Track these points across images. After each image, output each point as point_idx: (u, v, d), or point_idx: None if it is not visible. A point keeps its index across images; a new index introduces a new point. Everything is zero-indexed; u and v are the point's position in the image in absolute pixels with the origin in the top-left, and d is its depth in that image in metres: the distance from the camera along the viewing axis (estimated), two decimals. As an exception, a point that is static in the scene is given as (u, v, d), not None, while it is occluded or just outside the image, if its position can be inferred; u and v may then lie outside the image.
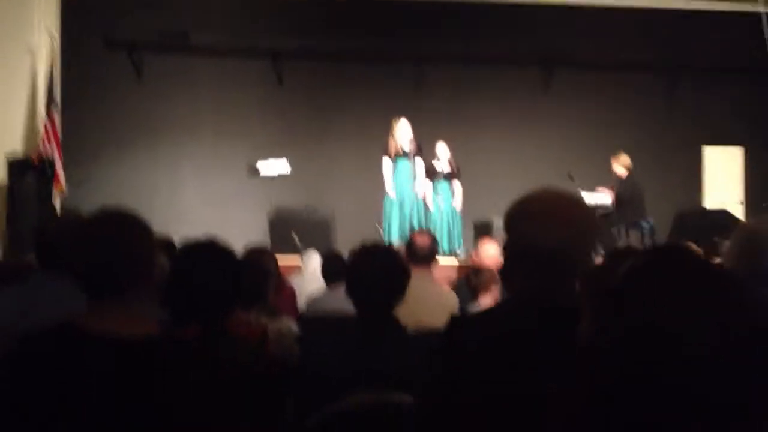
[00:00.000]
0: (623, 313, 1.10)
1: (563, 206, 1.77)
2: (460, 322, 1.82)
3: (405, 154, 8.80)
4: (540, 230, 1.72)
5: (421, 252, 4.23)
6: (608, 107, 10.95)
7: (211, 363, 1.90)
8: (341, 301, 4.89)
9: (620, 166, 9.11)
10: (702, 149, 11.36)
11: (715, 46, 10.83)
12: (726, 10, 10.88)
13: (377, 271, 2.55)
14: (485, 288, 4.33)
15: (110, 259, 1.78)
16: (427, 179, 9.06)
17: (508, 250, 1.82)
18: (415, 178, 8.87)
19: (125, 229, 1.82)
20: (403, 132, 8.83)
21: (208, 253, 2.58)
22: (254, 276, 3.57)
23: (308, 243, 7.82)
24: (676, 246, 1.14)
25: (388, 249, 2.74)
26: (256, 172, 9.16)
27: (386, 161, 8.89)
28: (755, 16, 9.56)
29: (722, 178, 11.40)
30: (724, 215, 8.89)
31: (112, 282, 1.79)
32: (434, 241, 4.47)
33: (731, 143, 11.35)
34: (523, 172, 10.54)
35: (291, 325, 3.79)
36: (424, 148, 8.96)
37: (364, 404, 1.96)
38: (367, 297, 2.54)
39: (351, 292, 2.58)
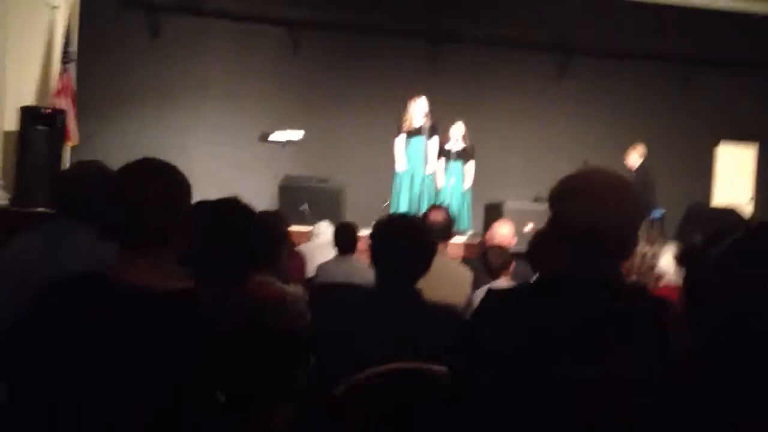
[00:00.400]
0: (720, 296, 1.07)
1: (611, 186, 1.75)
2: (500, 297, 1.79)
3: (419, 132, 8.76)
4: (587, 209, 1.70)
5: (435, 227, 4.19)
6: (624, 97, 10.90)
7: (240, 320, 1.87)
8: (352, 271, 4.91)
9: (637, 155, 9.07)
10: (717, 144, 11.30)
11: (733, 41, 10.73)
12: (741, 10, 10.77)
13: (404, 242, 2.51)
14: (506, 267, 4.30)
15: (146, 209, 1.73)
16: (440, 158, 9.01)
17: (552, 226, 1.79)
18: (427, 156, 8.82)
19: (164, 180, 1.77)
20: (418, 109, 8.78)
21: (228, 211, 2.54)
22: (269, 239, 3.54)
23: (317, 214, 7.80)
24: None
25: (416, 221, 2.70)
26: (267, 138, 9.12)
27: (400, 138, 8.86)
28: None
29: (734, 174, 11.34)
30: (731, 214, 8.81)
31: (146, 233, 1.74)
32: (449, 217, 4.43)
33: (746, 139, 11.29)
34: (536, 157, 10.51)
35: (302, 291, 3.77)
36: (438, 127, 8.91)
37: (395, 372, 1.93)
38: (392, 267, 2.50)
39: (376, 261, 2.54)
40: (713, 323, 1.07)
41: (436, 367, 1.93)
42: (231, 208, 2.53)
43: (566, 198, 1.75)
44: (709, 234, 2.02)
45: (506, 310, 1.69)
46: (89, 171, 2.82)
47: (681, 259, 2.31)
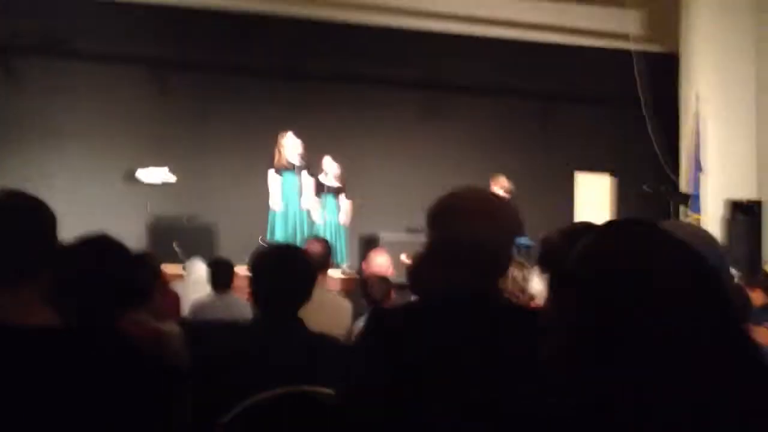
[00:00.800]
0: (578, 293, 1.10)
1: (488, 203, 1.80)
2: (389, 314, 1.80)
3: (292, 168, 8.77)
4: (467, 225, 1.73)
5: (313, 259, 4.18)
6: (485, 132, 11.30)
7: (108, 359, 1.80)
8: (228, 308, 4.83)
9: (498, 187, 9.38)
10: (574, 175, 11.86)
11: (589, 77, 11.39)
12: (599, 46, 11.45)
13: (284, 271, 2.50)
14: (387, 296, 4.33)
15: (7, 242, 1.65)
16: (314, 193, 9.05)
17: (431, 245, 1.82)
18: (301, 192, 8.84)
19: (27, 212, 1.70)
20: (290, 145, 8.80)
21: (101, 247, 2.47)
22: (143, 276, 3.44)
23: (190, 253, 7.62)
24: (627, 221, 1.14)
25: (294, 249, 2.70)
26: (135, 179, 8.88)
27: (272, 174, 8.84)
28: (628, 52, 10.13)
29: (592, 204, 11.92)
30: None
31: (8, 268, 1.66)
32: (327, 248, 4.44)
33: (601, 170, 11.91)
34: (407, 190, 10.71)
35: (178, 329, 3.68)
36: (311, 163, 8.96)
37: (281, 397, 1.90)
38: (273, 297, 2.48)
39: (256, 291, 2.52)
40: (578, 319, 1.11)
41: (322, 390, 1.92)
42: (101, 243, 2.45)
43: (446, 216, 1.78)
44: (566, 232, 2.10)
45: (394, 329, 1.69)
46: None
47: (542, 261, 2.38)
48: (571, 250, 1.17)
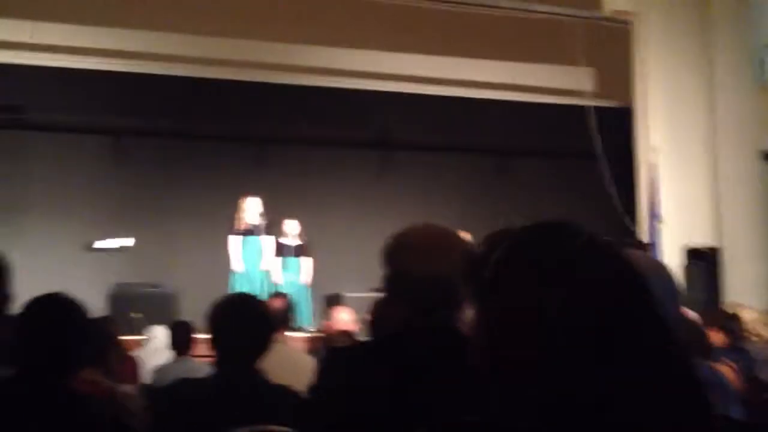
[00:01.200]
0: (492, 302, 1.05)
1: (441, 237, 1.80)
2: (344, 353, 1.78)
3: (253, 231, 8.76)
4: (422, 260, 1.73)
5: (275, 314, 4.14)
6: (441, 188, 11.42)
7: (60, 419, 1.75)
8: (189, 372, 4.72)
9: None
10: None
11: (545, 133, 11.61)
12: (552, 103, 11.71)
13: (242, 318, 2.47)
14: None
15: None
16: (276, 255, 9.02)
17: (388, 282, 1.81)
18: (263, 254, 8.80)
19: None
20: (252, 208, 8.80)
21: (54, 306, 2.43)
22: (98, 337, 3.38)
23: (150, 320, 7.50)
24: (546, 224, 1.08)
25: (252, 298, 2.68)
26: (93, 247, 8.78)
27: (233, 238, 8.81)
28: (583, 108, 10.36)
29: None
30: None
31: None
32: (289, 304, 4.41)
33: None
34: (368, 249, 10.65)
35: (134, 392, 3.60)
36: (272, 225, 8.95)
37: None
38: (232, 344, 2.45)
39: (215, 340, 2.48)
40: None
41: (281, 429, 1.88)
42: (57, 301, 2.41)
43: (402, 252, 1.79)
44: (490, 241, 2.08)
45: (355, 365, 1.67)
46: None
47: (466, 274, 2.37)
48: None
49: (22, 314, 2.38)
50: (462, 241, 1.85)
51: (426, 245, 1.77)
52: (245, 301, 2.58)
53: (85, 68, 10.26)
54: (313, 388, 1.76)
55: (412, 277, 1.75)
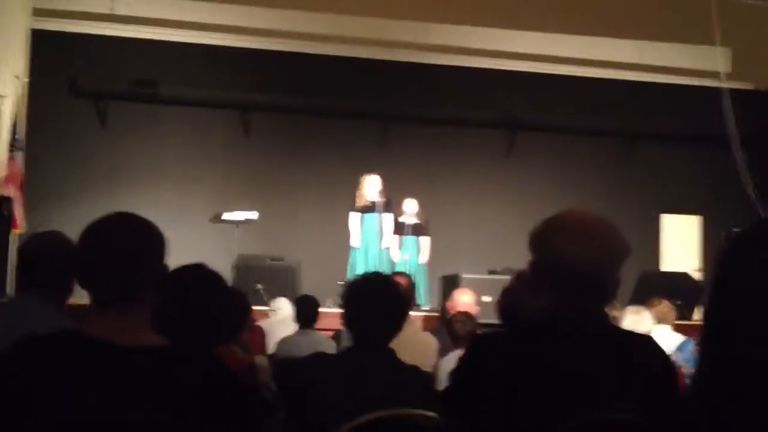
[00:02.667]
0: None
1: (598, 227, 1.74)
2: (489, 342, 1.76)
3: (373, 208, 8.83)
4: (576, 249, 1.68)
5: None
6: (568, 171, 11.15)
7: (215, 382, 1.81)
8: (314, 344, 4.83)
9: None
10: (660, 217, 11.57)
11: (675, 116, 11.17)
12: (686, 84, 11.24)
13: (378, 299, 2.49)
14: (472, 333, 4.26)
15: (119, 263, 1.69)
16: (394, 234, 9.07)
17: (535, 267, 1.77)
18: (382, 231, 8.87)
19: (137, 233, 1.74)
20: (372, 186, 8.87)
21: (198, 277, 2.52)
22: (234, 309, 3.49)
23: (273, 293, 7.71)
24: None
25: (387, 278, 2.69)
26: (220, 219, 9.08)
27: (353, 215, 8.92)
28: (716, 89, 9.88)
29: (680, 246, 11.59)
30: (685, 279, 9.00)
31: (119, 288, 1.69)
32: (411, 283, 4.42)
33: (688, 211, 11.59)
34: (487, 231, 10.65)
35: (266, 362, 3.71)
36: (392, 203, 9.00)
37: (383, 419, 1.88)
38: (367, 326, 2.47)
39: (350, 321, 2.51)
40: None
41: (426, 413, 1.89)
42: (201, 272, 2.50)
43: (553, 238, 1.73)
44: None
45: (504, 355, 1.65)
46: (47, 241, 2.75)
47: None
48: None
49: (168, 284, 2.47)
50: (616, 231, 1.79)
51: (580, 232, 1.71)
52: (382, 282, 2.59)
53: (216, 44, 10.58)
54: (458, 375, 1.75)
55: (564, 265, 1.70)
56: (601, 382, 1.59)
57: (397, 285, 2.64)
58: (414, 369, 2.57)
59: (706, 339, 1.09)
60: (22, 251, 2.81)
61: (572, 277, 1.67)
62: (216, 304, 2.42)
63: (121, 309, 1.68)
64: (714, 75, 10.10)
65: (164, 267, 1.80)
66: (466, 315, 4.51)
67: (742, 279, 1.04)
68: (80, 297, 2.45)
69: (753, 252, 1.06)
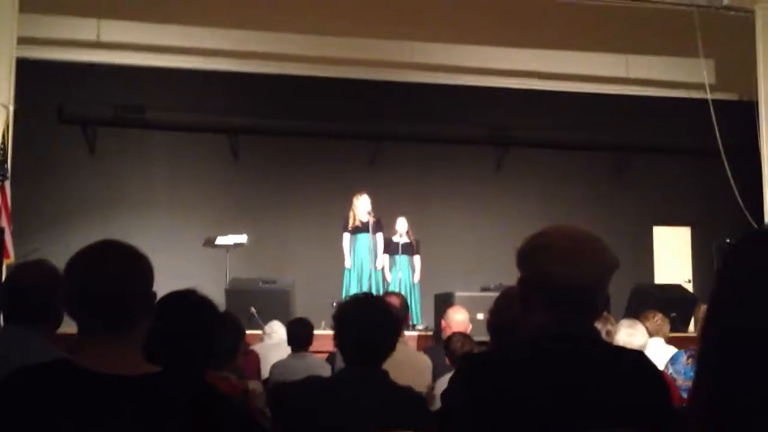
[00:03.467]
0: None
1: (585, 242, 1.74)
2: (480, 362, 1.74)
3: (364, 228, 8.84)
4: (564, 266, 1.67)
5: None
6: (559, 186, 11.19)
7: (208, 408, 1.79)
8: (308, 367, 4.80)
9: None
10: (651, 228, 11.62)
11: (663, 129, 11.24)
12: (673, 97, 11.31)
13: (370, 320, 2.47)
14: (469, 352, 4.24)
15: (109, 291, 1.68)
16: (386, 253, 9.08)
17: (524, 284, 1.76)
18: (374, 251, 8.87)
19: (127, 261, 1.73)
20: (362, 206, 8.89)
21: (189, 304, 2.50)
22: (227, 334, 3.46)
23: (267, 316, 7.66)
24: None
25: (378, 299, 2.68)
26: (212, 244, 9.05)
27: (346, 235, 8.96)
28: (703, 101, 9.94)
29: (672, 257, 11.61)
30: (678, 291, 9.00)
31: (109, 316, 1.68)
32: (404, 303, 4.41)
33: (679, 223, 11.63)
34: (479, 248, 10.65)
35: (261, 388, 3.68)
36: (383, 223, 9.01)
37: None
38: (359, 346, 2.46)
39: (342, 342, 2.49)
40: None
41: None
42: (194, 299, 2.48)
43: (541, 255, 1.72)
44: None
45: (494, 375, 1.63)
46: (34, 270, 2.73)
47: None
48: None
49: (160, 310, 2.45)
50: (603, 244, 1.78)
51: (567, 248, 1.70)
52: (372, 303, 2.58)
53: (203, 68, 10.59)
54: (450, 397, 1.73)
55: (553, 282, 1.69)
56: (594, 398, 1.58)
57: (387, 305, 2.63)
58: (408, 389, 2.55)
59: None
60: (8, 281, 2.78)
61: (562, 294, 1.66)
62: (208, 331, 2.40)
63: (110, 337, 1.66)
64: (699, 87, 10.16)
65: (153, 294, 1.79)
66: (463, 335, 4.49)
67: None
68: (69, 326, 2.45)
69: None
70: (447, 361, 4.35)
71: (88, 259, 1.71)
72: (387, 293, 4.54)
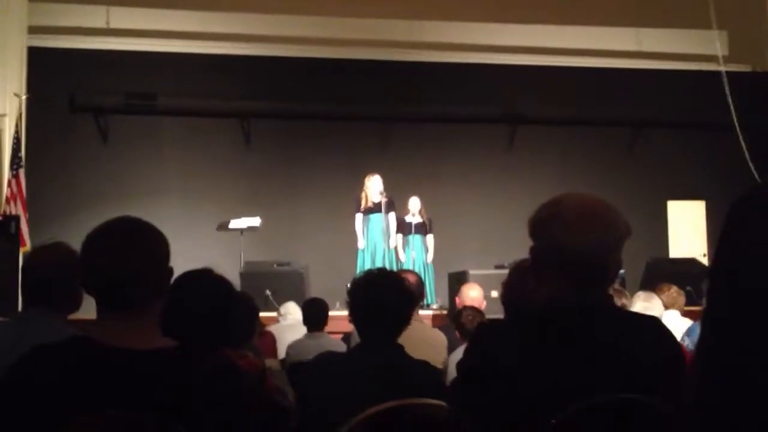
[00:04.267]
0: None
1: (597, 210, 1.73)
2: (493, 329, 1.75)
3: (376, 208, 8.84)
4: (576, 233, 1.67)
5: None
6: (571, 163, 11.14)
7: (228, 382, 1.81)
8: (323, 348, 4.82)
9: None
10: (665, 203, 11.56)
11: (676, 102, 11.15)
12: (686, 69, 11.21)
13: (384, 295, 2.48)
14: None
15: (126, 268, 1.70)
16: (399, 233, 9.08)
17: (535, 254, 1.77)
18: (387, 232, 8.88)
19: (143, 239, 1.74)
20: (374, 186, 8.89)
21: (206, 281, 2.52)
22: (244, 312, 3.49)
23: (281, 298, 7.70)
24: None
25: (393, 274, 2.69)
26: (226, 227, 9.08)
27: (359, 216, 8.96)
28: (716, 74, 9.85)
29: (686, 231, 11.56)
30: (693, 264, 8.97)
31: (127, 293, 1.70)
32: (420, 281, 4.42)
33: (693, 197, 11.56)
34: (492, 226, 10.63)
35: (279, 366, 3.71)
36: (395, 203, 9.01)
37: (395, 409, 1.87)
38: (375, 322, 2.47)
39: (357, 318, 2.51)
40: None
41: (434, 402, 1.88)
42: (210, 276, 2.51)
43: (553, 223, 1.71)
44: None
45: (509, 340, 1.64)
46: (52, 253, 2.75)
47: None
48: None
49: (177, 288, 2.47)
50: (615, 212, 1.78)
51: (579, 216, 1.70)
52: (387, 277, 2.59)
53: (212, 53, 10.58)
54: (465, 365, 1.74)
55: (564, 251, 1.69)
56: (609, 364, 1.58)
57: (402, 279, 2.64)
58: (424, 364, 2.56)
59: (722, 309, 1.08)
60: (26, 265, 2.80)
61: (574, 262, 1.66)
62: (225, 307, 2.42)
63: (127, 313, 1.68)
64: (712, 59, 10.08)
65: (170, 270, 1.80)
66: (475, 309, 4.50)
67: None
68: (88, 312, 2.47)
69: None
70: (458, 335, 4.36)
71: (104, 234, 1.73)
72: (402, 270, 4.55)
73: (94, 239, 1.73)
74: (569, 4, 10.56)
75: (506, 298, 2.87)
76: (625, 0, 10.51)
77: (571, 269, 1.67)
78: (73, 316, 2.75)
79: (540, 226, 1.74)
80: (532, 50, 11.00)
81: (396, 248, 9.08)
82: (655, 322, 1.75)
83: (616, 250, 1.74)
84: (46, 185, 9.79)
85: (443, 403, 1.82)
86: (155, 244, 1.75)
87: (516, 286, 2.61)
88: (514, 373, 1.58)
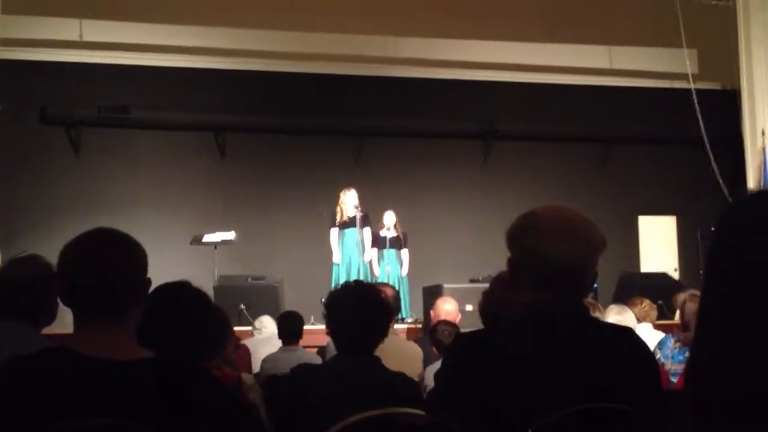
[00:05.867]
0: None
1: (573, 221, 1.76)
2: (471, 339, 1.76)
3: (351, 223, 8.86)
4: (553, 245, 1.69)
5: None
6: (544, 178, 11.22)
7: (201, 391, 1.81)
8: (299, 361, 4.80)
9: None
10: (637, 218, 11.69)
11: (647, 119, 11.30)
12: (656, 87, 11.38)
13: (361, 307, 2.49)
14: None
15: (102, 278, 1.69)
16: (374, 247, 9.10)
17: (513, 264, 1.79)
18: (362, 245, 8.89)
19: (124, 246, 1.75)
20: (349, 201, 8.91)
21: (183, 293, 2.52)
22: (217, 325, 3.48)
23: (256, 313, 7.66)
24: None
25: (369, 286, 2.70)
26: (200, 241, 9.04)
27: (333, 230, 8.96)
28: (686, 91, 10.01)
29: (657, 246, 11.70)
30: (664, 279, 9.08)
31: (111, 299, 1.69)
32: (396, 294, 4.43)
33: (665, 212, 11.71)
34: (467, 240, 10.69)
35: (253, 379, 3.69)
36: (370, 217, 9.04)
37: (371, 419, 1.87)
38: (351, 334, 2.47)
39: (334, 330, 2.51)
40: None
41: (414, 411, 1.88)
42: (187, 289, 2.50)
43: (530, 234, 1.74)
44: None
45: (486, 350, 1.65)
46: (27, 265, 2.73)
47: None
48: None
49: (154, 299, 2.46)
50: (591, 224, 1.81)
51: (556, 227, 1.73)
52: (364, 289, 2.60)
53: (186, 66, 10.57)
54: (442, 376, 1.76)
55: (542, 261, 1.71)
56: (585, 374, 1.60)
57: (379, 291, 2.65)
58: (400, 375, 2.57)
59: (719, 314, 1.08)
60: (1, 276, 2.77)
61: (551, 271, 1.68)
62: (201, 320, 2.42)
63: (104, 323, 1.68)
64: (683, 77, 10.24)
65: (147, 281, 1.80)
66: (450, 324, 4.51)
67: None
68: (62, 326, 2.45)
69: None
70: (434, 351, 4.36)
71: (81, 246, 1.72)
72: (379, 284, 4.55)
73: (71, 249, 1.73)
74: (543, 21, 10.68)
75: (485, 309, 2.89)
76: (598, 19, 10.64)
77: (549, 279, 1.70)
78: (47, 331, 2.73)
79: (517, 236, 1.77)
80: (506, 66, 11.11)
81: (371, 262, 9.08)
82: (630, 333, 1.78)
83: (593, 261, 1.76)
84: (18, 198, 9.69)
85: (423, 413, 1.82)
86: (134, 253, 1.75)
87: (496, 297, 2.63)
88: (491, 382, 1.59)
